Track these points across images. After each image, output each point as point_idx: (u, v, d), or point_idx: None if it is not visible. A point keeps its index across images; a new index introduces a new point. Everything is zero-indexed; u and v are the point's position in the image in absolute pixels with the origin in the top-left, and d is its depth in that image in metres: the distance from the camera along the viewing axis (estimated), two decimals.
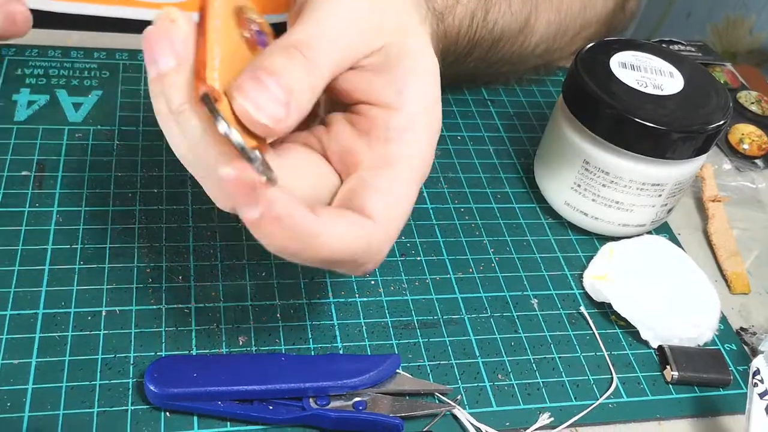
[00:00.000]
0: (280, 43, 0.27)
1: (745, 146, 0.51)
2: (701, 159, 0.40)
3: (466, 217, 0.42)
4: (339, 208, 0.28)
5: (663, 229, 0.44)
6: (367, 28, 0.30)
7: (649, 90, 0.39)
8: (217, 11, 0.25)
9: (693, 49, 0.58)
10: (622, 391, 0.35)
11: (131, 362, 0.32)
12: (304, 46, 0.27)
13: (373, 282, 0.38)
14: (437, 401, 0.33)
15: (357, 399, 0.32)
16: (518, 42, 0.47)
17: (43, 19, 0.45)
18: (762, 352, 0.38)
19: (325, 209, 0.26)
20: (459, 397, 0.33)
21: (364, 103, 0.29)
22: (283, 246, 0.25)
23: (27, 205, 0.37)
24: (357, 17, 0.29)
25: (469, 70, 0.47)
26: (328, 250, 0.26)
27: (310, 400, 0.31)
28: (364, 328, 0.36)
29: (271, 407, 0.31)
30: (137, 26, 0.47)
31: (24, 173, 0.39)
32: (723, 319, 0.40)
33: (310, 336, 0.35)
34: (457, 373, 0.35)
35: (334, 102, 0.31)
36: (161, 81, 0.25)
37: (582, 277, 0.40)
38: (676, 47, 0.57)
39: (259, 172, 0.24)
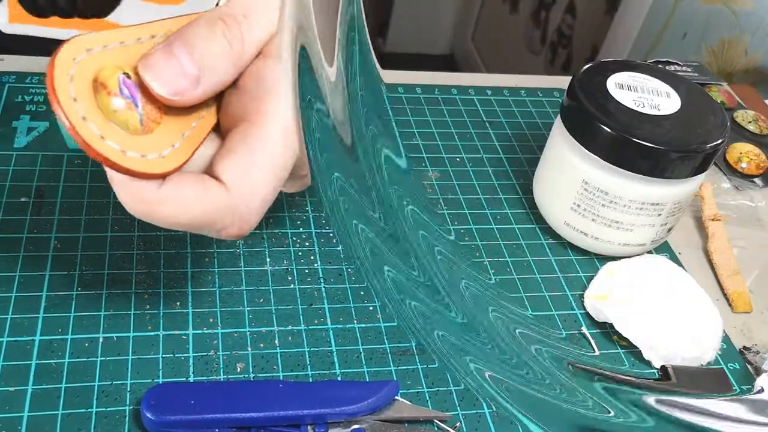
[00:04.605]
0: (208, 14, 0.27)
1: (744, 165, 0.51)
2: (700, 178, 0.40)
3: (467, 239, 0.42)
4: (197, 174, 0.27)
5: (663, 248, 0.44)
6: None
7: (647, 110, 0.39)
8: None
9: (689, 70, 0.58)
10: None
11: (128, 389, 0.32)
12: (230, 17, 0.27)
13: (371, 308, 0.37)
14: (436, 428, 0.33)
15: (355, 426, 0.31)
16: None
17: (43, 46, 0.46)
18: (766, 371, 0.37)
19: (174, 177, 0.27)
20: (458, 424, 0.33)
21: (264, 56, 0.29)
22: (132, 209, 0.26)
23: (25, 231, 0.37)
24: None
25: None
26: (174, 214, 0.26)
27: (309, 427, 0.31)
28: (362, 354, 0.35)
29: None
30: None
31: (23, 199, 0.39)
32: (725, 339, 0.39)
33: (308, 362, 0.34)
34: (456, 399, 0.34)
35: None
36: None
37: (583, 298, 0.40)
38: (672, 68, 0.57)
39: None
